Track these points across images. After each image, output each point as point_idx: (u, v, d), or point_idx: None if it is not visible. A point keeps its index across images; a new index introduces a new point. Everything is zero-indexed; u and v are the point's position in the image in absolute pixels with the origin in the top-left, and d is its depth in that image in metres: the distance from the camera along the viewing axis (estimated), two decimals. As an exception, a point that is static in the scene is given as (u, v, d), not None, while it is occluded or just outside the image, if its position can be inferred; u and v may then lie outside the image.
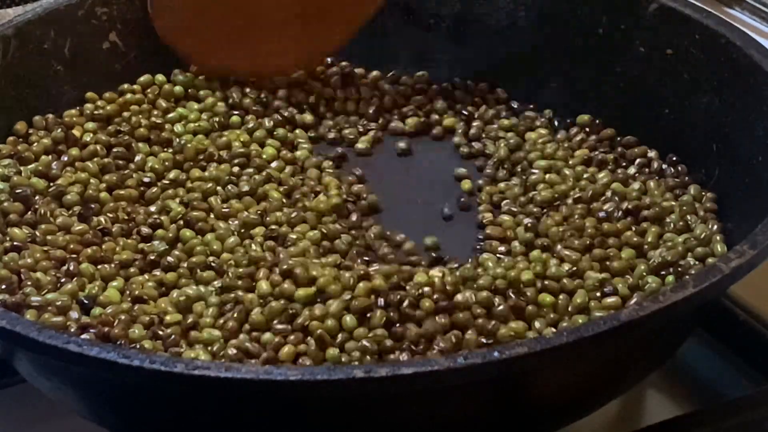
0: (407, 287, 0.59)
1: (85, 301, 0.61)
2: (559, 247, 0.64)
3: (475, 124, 0.76)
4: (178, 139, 0.72)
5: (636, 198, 0.68)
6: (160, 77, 0.76)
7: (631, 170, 0.70)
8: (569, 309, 0.60)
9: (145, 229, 0.66)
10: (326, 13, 0.76)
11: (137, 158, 0.71)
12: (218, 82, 0.76)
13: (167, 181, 0.69)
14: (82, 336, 0.58)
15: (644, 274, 0.62)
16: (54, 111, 0.74)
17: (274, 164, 0.71)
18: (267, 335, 0.58)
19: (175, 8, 0.75)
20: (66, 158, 0.71)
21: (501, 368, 0.50)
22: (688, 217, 0.66)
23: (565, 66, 0.76)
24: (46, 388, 0.58)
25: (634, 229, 0.65)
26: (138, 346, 0.58)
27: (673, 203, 0.67)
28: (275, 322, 0.59)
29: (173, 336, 0.59)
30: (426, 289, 0.59)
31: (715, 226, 0.65)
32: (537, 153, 0.72)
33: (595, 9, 0.75)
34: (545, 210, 0.67)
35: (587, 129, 0.74)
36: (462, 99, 0.78)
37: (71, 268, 0.63)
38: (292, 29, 0.76)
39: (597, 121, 0.74)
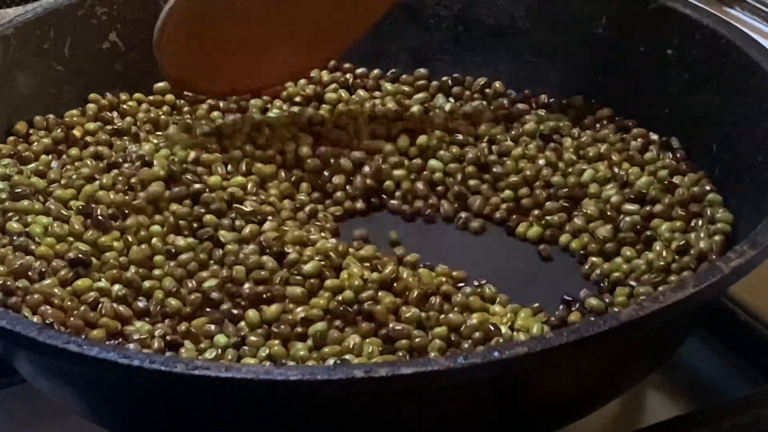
0: None
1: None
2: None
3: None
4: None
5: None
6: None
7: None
8: None
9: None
10: (318, 28, 0.75)
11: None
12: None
13: None
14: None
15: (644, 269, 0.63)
16: (54, 111, 0.74)
17: None
18: None
19: (179, 42, 0.71)
20: (66, 158, 0.71)
21: (501, 368, 0.50)
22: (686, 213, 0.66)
23: (565, 66, 0.76)
24: (46, 388, 0.58)
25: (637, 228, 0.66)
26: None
27: (674, 201, 0.67)
28: None
29: None
30: None
31: (716, 227, 0.65)
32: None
33: (595, 9, 0.75)
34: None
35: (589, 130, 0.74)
36: (461, 95, 0.78)
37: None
38: (283, 45, 0.75)
39: (597, 125, 0.74)
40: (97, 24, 0.76)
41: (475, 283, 0.64)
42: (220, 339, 0.60)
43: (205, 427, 0.55)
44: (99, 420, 0.58)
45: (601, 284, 0.64)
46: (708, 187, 0.67)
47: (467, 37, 0.79)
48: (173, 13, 0.70)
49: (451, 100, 0.77)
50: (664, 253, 0.63)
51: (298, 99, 0.77)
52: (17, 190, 0.67)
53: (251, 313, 0.61)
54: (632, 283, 0.63)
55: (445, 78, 0.78)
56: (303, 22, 0.74)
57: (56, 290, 0.62)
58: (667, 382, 0.67)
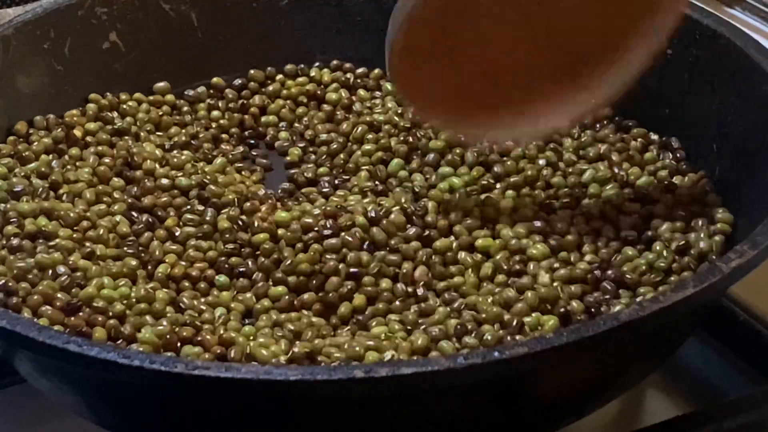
0: None
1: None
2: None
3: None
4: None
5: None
6: None
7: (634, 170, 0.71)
8: None
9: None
10: (590, 63, 0.66)
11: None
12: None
13: None
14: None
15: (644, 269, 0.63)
16: (54, 111, 0.74)
17: None
18: None
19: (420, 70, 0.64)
20: (67, 158, 0.71)
21: (501, 368, 0.50)
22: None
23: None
24: (46, 388, 0.58)
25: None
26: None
27: (674, 201, 0.67)
28: None
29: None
30: None
31: (716, 227, 0.65)
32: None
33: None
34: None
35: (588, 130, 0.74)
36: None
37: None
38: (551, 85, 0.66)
39: (597, 125, 0.74)
40: (97, 24, 0.76)
41: None
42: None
43: (205, 427, 0.55)
44: (99, 420, 0.58)
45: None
46: (708, 187, 0.67)
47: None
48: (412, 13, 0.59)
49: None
50: (664, 253, 0.63)
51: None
52: (17, 190, 0.67)
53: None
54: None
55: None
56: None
57: (58, 294, 0.61)
58: (667, 382, 0.67)
